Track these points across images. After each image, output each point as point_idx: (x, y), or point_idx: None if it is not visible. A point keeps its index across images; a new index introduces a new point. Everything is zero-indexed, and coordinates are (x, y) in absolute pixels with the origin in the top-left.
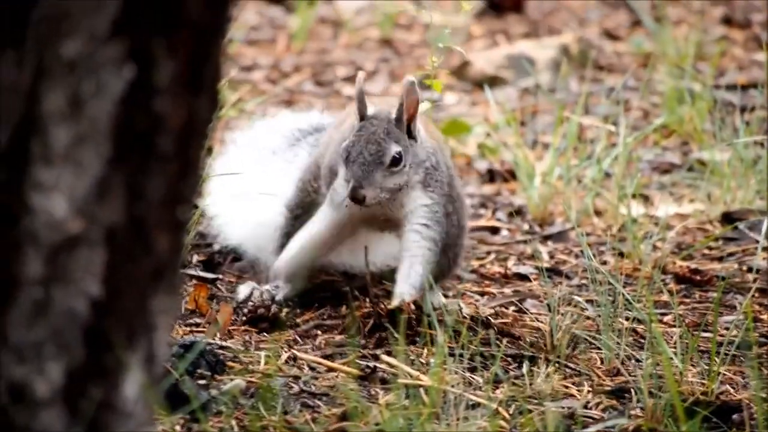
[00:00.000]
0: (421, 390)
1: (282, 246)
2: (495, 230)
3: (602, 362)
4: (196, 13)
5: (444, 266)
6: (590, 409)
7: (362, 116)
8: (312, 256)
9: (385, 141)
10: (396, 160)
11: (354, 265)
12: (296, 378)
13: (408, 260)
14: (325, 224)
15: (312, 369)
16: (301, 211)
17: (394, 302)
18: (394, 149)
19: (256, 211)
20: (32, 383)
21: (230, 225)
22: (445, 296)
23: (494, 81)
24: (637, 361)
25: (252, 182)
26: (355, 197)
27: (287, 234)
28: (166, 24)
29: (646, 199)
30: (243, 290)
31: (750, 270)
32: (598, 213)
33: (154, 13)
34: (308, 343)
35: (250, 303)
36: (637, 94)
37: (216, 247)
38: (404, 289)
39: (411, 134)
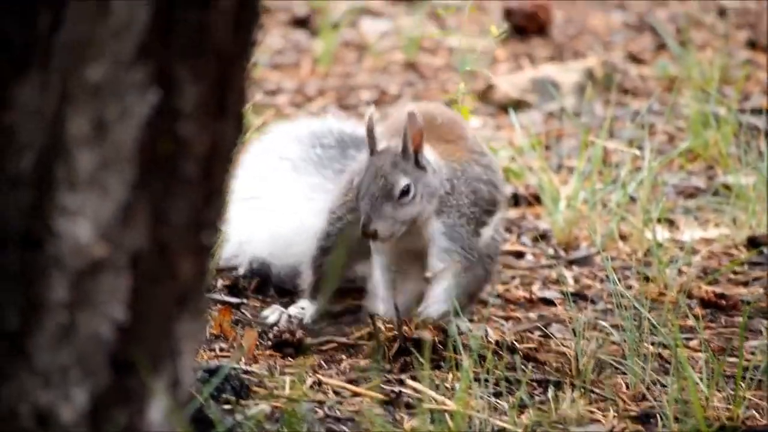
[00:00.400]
0: (446, 415)
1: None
2: (520, 254)
3: (628, 387)
4: (221, 37)
5: (480, 276)
6: None
7: (372, 152)
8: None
9: (392, 174)
10: (405, 192)
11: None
12: (321, 403)
13: (432, 282)
14: (379, 269)
15: (337, 394)
16: (331, 243)
17: (420, 317)
18: (403, 181)
19: (276, 225)
20: (57, 408)
21: (250, 241)
22: (470, 321)
23: (519, 105)
24: (663, 386)
25: (270, 195)
26: (366, 233)
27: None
28: (191, 48)
29: (671, 224)
30: (270, 314)
31: None
32: (623, 237)
33: (179, 37)
34: (333, 368)
35: (276, 328)
36: (662, 118)
37: (241, 271)
38: (428, 303)
39: (419, 164)
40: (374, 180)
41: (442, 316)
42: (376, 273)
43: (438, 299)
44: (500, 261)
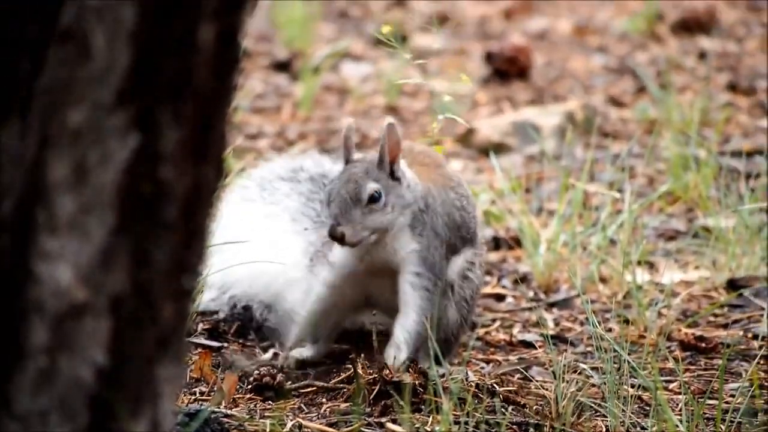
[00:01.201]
0: None
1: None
2: (500, 297)
3: (608, 430)
4: (202, 81)
5: (456, 325)
6: None
7: (347, 161)
8: (320, 320)
9: (363, 180)
10: (374, 198)
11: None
12: None
13: (403, 310)
14: (322, 285)
15: None
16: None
17: (388, 360)
18: (372, 186)
19: (256, 266)
20: None
21: (231, 284)
22: (451, 363)
23: (499, 148)
24: (643, 428)
25: (250, 236)
26: (333, 234)
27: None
28: (172, 92)
29: (651, 266)
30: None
31: (755, 337)
32: (603, 280)
33: (160, 81)
34: (314, 411)
35: (255, 372)
36: (642, 161)
37: (221, 315)
38: (399, 339)
39: (394, 175)
40: (345, 185)
41: (403, 363)
42: (310, 298)
43: (400, 345)
44: (481, 304)
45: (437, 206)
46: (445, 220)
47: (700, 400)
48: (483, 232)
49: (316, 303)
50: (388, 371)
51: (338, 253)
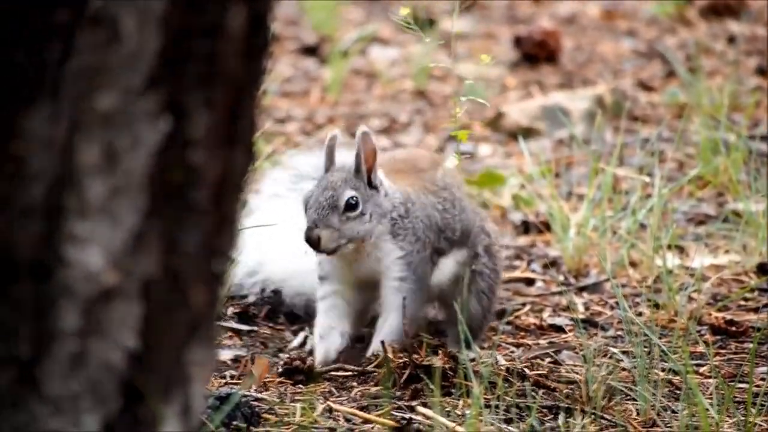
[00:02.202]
0: None
1: None
2: (530, 282)
3: (638, 413)
4: (232, 65)
5: (478, 314)
6: None
7: (327, 170)
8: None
9: (340, 188)
10: (351, 206)
11: None
12: (332, 430)
13: (384, 314)
14: (321, 301)
15: (348, 421)
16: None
17: (369, 350)
18: (349, 193)
19: (288, 251)
20: None
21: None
22: (481, 348)
23: (529, 132)
24: (673, 412)
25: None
26: (310, 238)
27: None
28: (202, 76)
29: (681, 251)
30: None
31: None
32: (633, 264)
33: (190, 65)
34: (344, 395)
35: (286, 355)
36: (671, 145)
37: (252, 298)
38: (380, 338)
39: (372, 184)
40: (323, 192)
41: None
42: (319, 310)
43: (384, 330)
44: (510, 288)
45: (417, 210)
46: (427, 223)
47: (730, 383)
48: (492, 225)
49: (323, 318)
50: (417, 355)
51: (326, 267)
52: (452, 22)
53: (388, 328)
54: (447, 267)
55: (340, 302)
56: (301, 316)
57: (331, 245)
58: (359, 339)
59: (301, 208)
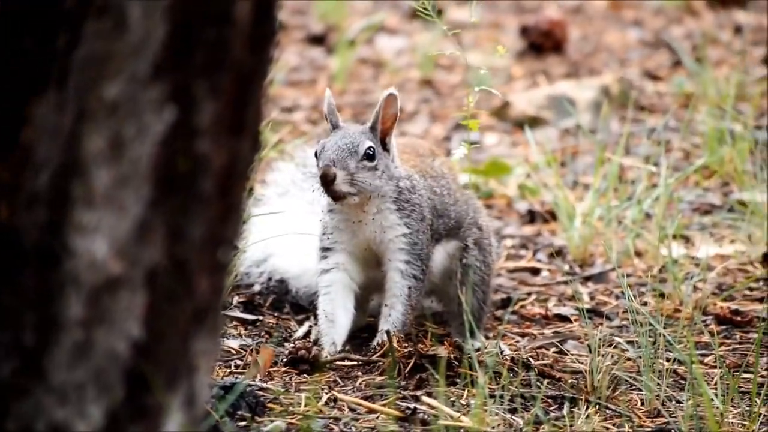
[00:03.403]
0: (462, 431)
1: None
2: (535, 271)
3: (643, 403)
4: (239, 54)
5: (474, 308)
6: None
7: (335, 126)
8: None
9: (359, 137)
10: (369, 155)
11: None
12: (336, 419)
13: (389, 300)
14: (322, 274)
15: (352, 410)
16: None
17: (376, 340)
18: (368, 143)
19: (295, 242)
20: (73, 424)
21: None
22: (486, 337)
23: (535, 121)
24: (678, 402)
25: (290, 211)
26: (326, 174)
27: None
28: (209, 65)
29: (686, 240)
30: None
31: None
32: (638, 254)
33: (197, 54)
34: (348, 385)
35: (291, 345)
36: (678, 135)
37: (257, 288)
38: (385, 328)
39: (385, 146)
40: (341, 138)
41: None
42: (321, 285)
43: (391, 319)
44: (516, 277)
45: (421, 189)
46: (429, 204)
47: (735, 373)
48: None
49: (326, 296)
50: (422, 345)
51: (330, 236)
52: (471, 10)
53: (393, 317)
54: (438, 257)
55: (343, 276)
56: (306, 307)
57: (343, 188)
58: (363, 329)
59: (317, 152)
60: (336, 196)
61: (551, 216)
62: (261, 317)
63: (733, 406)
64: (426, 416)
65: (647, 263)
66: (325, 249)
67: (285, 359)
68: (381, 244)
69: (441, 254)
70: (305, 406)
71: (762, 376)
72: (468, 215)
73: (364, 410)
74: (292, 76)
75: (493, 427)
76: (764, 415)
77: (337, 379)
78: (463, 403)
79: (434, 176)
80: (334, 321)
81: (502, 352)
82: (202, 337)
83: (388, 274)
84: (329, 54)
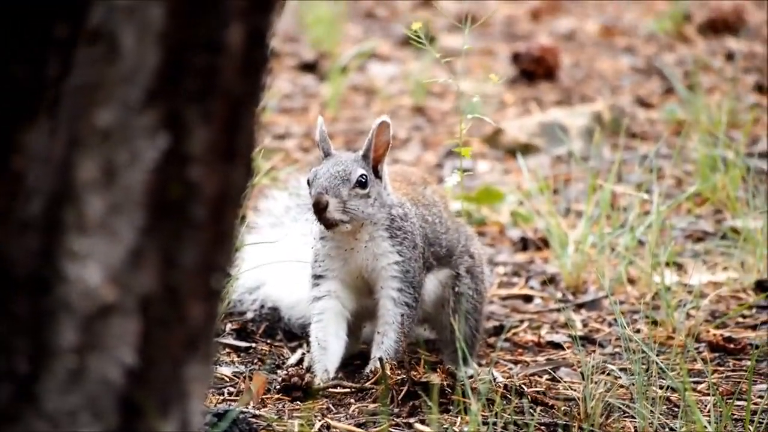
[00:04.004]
0: None
1: None
2: (528, 298)
3: (636, 431)
4: (231, 81)
5: (467, 335)
6: None
7: (327, 153)
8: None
9: (352, 164)
10: (362, 183)
11: None
12: None
13: (382, 328)
14: (314, 301)
15: None
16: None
17: (368, 367)
18: (360, 171)
19: (288, 269)
20: None
21: (261, 285)
22: (479, 364)
23: (527, 149)
24: (671, 429)
25: (283, 238)
26: (319, 202)
27: None
28: (201, 92)
29: (679, 267)
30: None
31: None
32: (631, 281)
33: (189, 81)
34: (341, 412)
35: (284, 372)
36: (670, 162)
37: (249, 315)
38: (378, 355)
39: (377, 174)
40: (334, 166)
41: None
42: (313, 314)
43: (384, 347)
44: (508, 305)
45: (413, 217)
46: (420, 231)
47: (728, 401)
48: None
49: (319, 324)
50: (415, 372)
51: (322, 264)
52: (464, 37)
53: (386, 344)
54: (430, 286)
55: (335, 303)
56: (299, 334)
57: (336, 215)
58: (356, 356)
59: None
60: (328, 224)
61: (544, 243)
62: (254, 344)
63: None
64: None
65: (640, 290)
66: (317, 276)
67: (278, 386)
68: (373, 271)
69: (433, 282)
70: None
71: (755, 404)
72: (460, 243)
73: None
74: (284, 103)
75: None
76: None
77: (330, 406)
78: (456, 430)
79: (426, 204)
80: (327, 348)
81: (494, 379)
82: (194, 364)
83: (380, 301)
84: (321, 81)
